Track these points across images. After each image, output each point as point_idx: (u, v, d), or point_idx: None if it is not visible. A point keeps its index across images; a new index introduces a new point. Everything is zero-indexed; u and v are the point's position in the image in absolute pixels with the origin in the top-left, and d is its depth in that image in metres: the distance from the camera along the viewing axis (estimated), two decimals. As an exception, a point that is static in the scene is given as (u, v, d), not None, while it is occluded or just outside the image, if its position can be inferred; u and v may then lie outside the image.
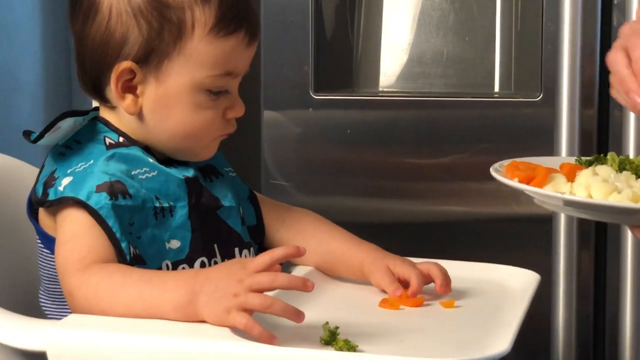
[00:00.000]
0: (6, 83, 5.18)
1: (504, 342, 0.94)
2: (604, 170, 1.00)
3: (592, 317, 1.61)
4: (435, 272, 1.13)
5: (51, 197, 1.06)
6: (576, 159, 1.06)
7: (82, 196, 1.04)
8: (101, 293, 0.99)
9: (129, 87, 1.10)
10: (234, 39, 1.09)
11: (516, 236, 1.63)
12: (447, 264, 1.17)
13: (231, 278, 0.95)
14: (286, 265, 1.23)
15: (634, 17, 1.50)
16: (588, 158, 1.05)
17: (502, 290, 1.17)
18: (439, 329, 1.03)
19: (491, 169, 1.03)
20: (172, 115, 1.10)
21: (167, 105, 1.10)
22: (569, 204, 0.97)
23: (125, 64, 1.08)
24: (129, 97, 1.10)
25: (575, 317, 1.58)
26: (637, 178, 0.99)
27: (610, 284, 1.60)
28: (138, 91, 1.10)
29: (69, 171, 1.08)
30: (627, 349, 1.56)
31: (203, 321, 0.95)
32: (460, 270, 1.20)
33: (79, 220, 1.05)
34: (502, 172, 1.03)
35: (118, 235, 1.04)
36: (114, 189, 1.05)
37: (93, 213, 1.04)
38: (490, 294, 1.15)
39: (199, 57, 1.08)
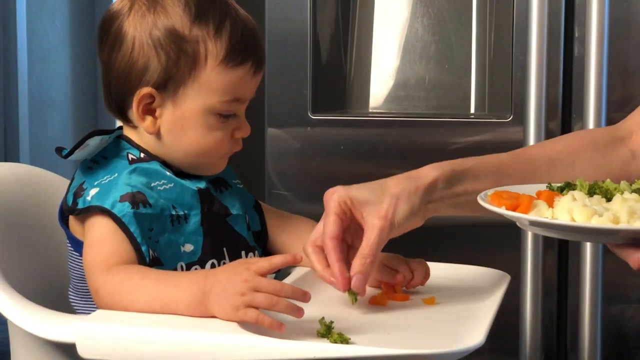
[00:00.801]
0: (40, 101, 5.22)
1: (479, 334, 0.93)
2: (579, 195, 0.99)
3: (555, 310, 1.61)
4: (418, 270, 1.13)
5: (80, 205, 1.06)
6: (547, 186, 1.05)
7: (107, 205, 1.04)
8: (123, 291, 0.99)
9: (148, 110, 1.10)
10: (241, 69, 1.08)
11: (489, 240, 1.63)
12: (428, 265, 1.17)
13: (237, 278, 0.95)
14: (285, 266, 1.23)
15: (593, 48, 1.51)
16: (559, 185, 1.04)
17: (477, 288, 1.16)
18: (422, 323, 1.02)
19: (478, 199, 1.01)
20: (187, 135, 1.09)
21: (182, 126, 1.09)
22: (558, 227, 0.95)
23: (146, 90, 1.08)
24: (149, 119, 1.10)
25: (541, 311, 1.58)
26: (607, 201, 0.98)
27: (572, 282, 1.60)
28: (157, 113, 1.09)
29: (95, 183, 1.07)
30: (586, 338, 1.56)
31: (213, 316, 0.95)
32: (440, 271, 1.19)
33: (104, 226, 1.04)
34: (488, 200, 1.01)
35: (139, 239, 1.03)
36: (136, 199, 1.05)
37: (117, 220, 1.03)
38: (466, 292, 1.14)
39: (211, 85, 1.07)
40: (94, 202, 1.05)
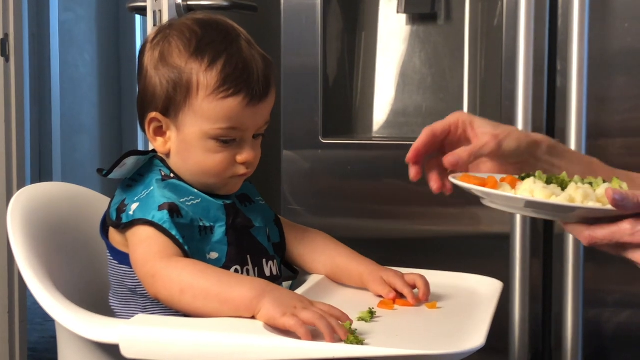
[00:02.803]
0: (71, 125, 5.22)
1: (480, 336, 0.93)
2: (538, 181, 1.00)
3: (541, 314, 1.61)
4: (420, 283, 1.12)
5: (124, 220, 1.06)
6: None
7: (149, 217, 1.04)
8: (184, 276, 0.98)
9: (160, 132, 1.10)
10: (232, 100, 1.06)
11: (481, 249, 1.63)
12: (428, 273, 1.16)
13: (296, 296, 0.96)
14: (302, 274, 1.22)
15: (574, 80, 1.52)
16: (521, 175, 1.05)
17: (474, 294, 1.16)
18: (426, 326, 1.02)
19: (450, 178, 1.03)
20: (191, 157, 1.09)
21: (186, 148, 1.09)
22: (520, 202, 0.96)
23: (153, 114, 1.09)
24: (160, 140, 1.10)
25: (528, 314, 1.57)
26: (562, 190, 0.99)
27: (556, 288, 1.59)
28: (167, 136, 1.10)
29: (135, 198, 1.07)
30: (569, 339, 1.56)
31: (252, 317, 0.94)
32: (439, 278, 1.19)
33: (148, 230, 1.04)
34: (459, 180, 1.03)
35: (181, 241, 1.03)
36: (172, 208, 1.05)
37: (159, 228, 1.03)
38: (464, 298, 1.14)
39: (204, 113, 1.06)
40: (137, 216, 1.05)
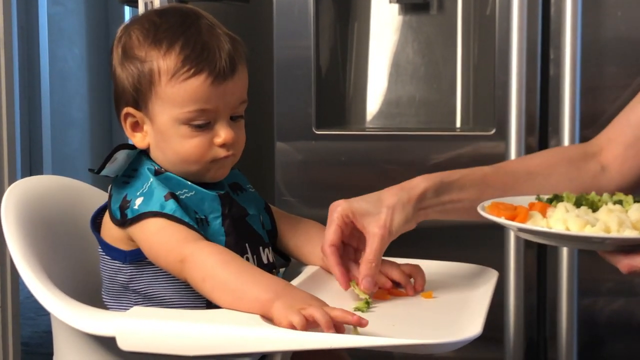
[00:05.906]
0: (61, 119, 5.20)
1: (476, 326, 0.93)
2: (569, 207, 0.98)
3: (536, 303, 1.62)
4: (415, 273, 1.12)
5: (130, 216, 1.04)
6: (536, 198, 1.04)
7: (157, 208, 1.03)
8: (208, 263, 0.97)
9: (138, 127, 1.10)
10: (194, 80, 1.04)
11: (475, 240, 1.63)
12: (423, 262, 1.16)
13: (305, 301, 0.92)
14: (297, 265, 1.22)
15: (567, 69, 1.52)
16: (548, 197, 1.03)
17: (469, 284, 1.15)
18: (423, 316, 1.02)
19: (479, 209, 1.01)
20: (168, 147, 1.08)
21: (162, 139, 1.08)
22: (554, 236, 0.95)
23: (126, 109, 1.08)
24: (138, 135, 1.10)
25: (523, 304, 1.58)
26: (593, 211, 0.97)
27: (550, 277, 1.60)
28: (144, 130, 1.09)
29: (138, 193, 1.06)
30: (564, 328, 1.56)
31: (263, 316, 0.93)
32: (435, 268, 1.19)
33: (160, 221, 1.02)
34: (487, 211, 1.00)
35: (196, 227, 1.02)
36: (174, 198, 1.04)
37: (171, 217, 1.02)
38: (460, 287, 1.14)
39: (169, 98, 1.05)
40: (143, 209, 1.03)
